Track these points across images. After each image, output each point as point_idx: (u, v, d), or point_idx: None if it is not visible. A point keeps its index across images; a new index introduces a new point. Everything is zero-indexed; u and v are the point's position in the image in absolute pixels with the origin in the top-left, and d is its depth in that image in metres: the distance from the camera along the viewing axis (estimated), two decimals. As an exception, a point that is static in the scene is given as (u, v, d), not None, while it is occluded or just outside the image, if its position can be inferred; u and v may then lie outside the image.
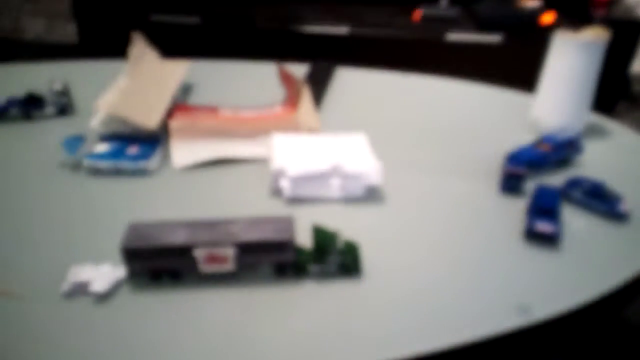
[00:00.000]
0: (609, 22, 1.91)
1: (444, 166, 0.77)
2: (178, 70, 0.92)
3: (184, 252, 0.53)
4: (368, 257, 0.58)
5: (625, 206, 0.65)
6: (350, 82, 1.05)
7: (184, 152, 0.77)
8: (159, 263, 0.54)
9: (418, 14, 2.00)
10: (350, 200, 0.68)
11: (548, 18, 1.91)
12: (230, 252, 0.53)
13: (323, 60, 1.11)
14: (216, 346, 0.48)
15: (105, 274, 0.54)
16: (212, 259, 0.54)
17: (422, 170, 0.76)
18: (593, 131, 0.86)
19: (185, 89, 0.99)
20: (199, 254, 0.53)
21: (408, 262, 0.59)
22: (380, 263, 0.58)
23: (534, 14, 1.92)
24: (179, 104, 0.87)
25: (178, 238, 0.53)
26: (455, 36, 1.87)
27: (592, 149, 0.80)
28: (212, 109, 0.86)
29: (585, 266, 0.58)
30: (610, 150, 0.81)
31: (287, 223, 0.56)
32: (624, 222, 0.65)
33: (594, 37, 0.76)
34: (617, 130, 0.87)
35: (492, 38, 1.86)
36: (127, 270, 0.54)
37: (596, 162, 0.77)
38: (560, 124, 0.81)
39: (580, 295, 0.54)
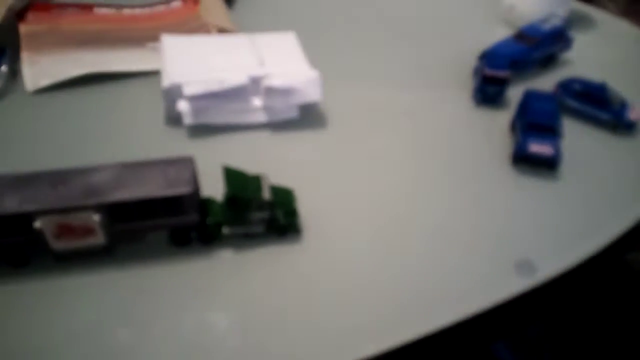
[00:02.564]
0: None
1: (401, 74, 0.59)
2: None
3: (21, 225, 0.34)
4: (308, 207, 0.40)
5: (634, 113, 0.50)
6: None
7: (41, 67, 0.54)
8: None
9: None
10: (279, 125, 0.50)
11: None
12: (95, 218, 0.34)
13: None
14: (85, 354, 0.31)
15: None
16: (68, 230, 0.35)
17: (374, 81, 0.57)
18: (577, 20, 0.70)
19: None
20: (45, 225, 0.34)
21: (363, 210, 0.42)
22: (327, 216, 0.41)
23: None
24: (37, 2, 0.62)
25: (6, 203, 0.34)
26: None
27: (580, 42, 0.63)
28: (85, 7, 0.62)
29: (591, 197, 0.44)
30: (602, 43, 0.66)
31: (184, 167, 0.37)
32: (632, 133, 0.51)
33: None
34: (605, 19, 0.71)
35: None
36: None
37: (588, 58, 0.62)
38: (538, 10, 0.64)
39: (590, 239, 0.40)
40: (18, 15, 0.59)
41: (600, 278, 0.97)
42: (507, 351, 0.64)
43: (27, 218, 0.34)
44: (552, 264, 0.38)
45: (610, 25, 0.70)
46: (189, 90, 0.45)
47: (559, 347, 0.84)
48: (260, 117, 0.49)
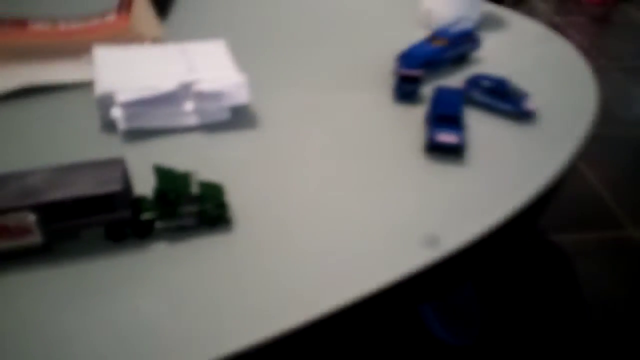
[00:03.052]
0: None
1: (326, 76, 0.63)
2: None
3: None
4: (239, 200, 0.44)
5: (531, 104, 0.56)
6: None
7: (-25, 82, 0.55)
8: None
9: None
10: (211, 127, 0.53)
11: None
12: (30, 218, 0.37)
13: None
14: (28, 348, 0.33)
15: None
16: (5, 231, 0.37)
17: (300, 83, 0.62)
18: (489, 22, 0.76)
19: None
20: (-18, 227, 0.36)
21: (291, 201, 0.46)
22: (257, 208, 0.45)
23: None
24: (-30, 18, 0.63)
25: (-59, 209, 0.36)
26: None
27: (490, 42, 0.70)
28: (20, 23, 0.64)
29: (494, 178, 0.50)
30: (510, 42, 0.72)
31: (115, 167, 0.40)
32: (531, 121, 0.57)
33: None
34: (515, 20, 0.78)
35: None
36: None
37: (496, 56, 0.68)
38: (453, 14, 0.70)
39: (492, 214, 0.45)
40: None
41: (529, 257, 1.05)
42: (436, 320, 0.69)
43: (-36, 221, 0.36)
44: (456, 236, 0.43)
45: (518, 25, 0.77)
46: (122, 97, 0.48)
47: (488, 315, 0.90)
48: (192, 120, 0.52)
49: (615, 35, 1.95)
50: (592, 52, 1.80)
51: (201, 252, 0.41)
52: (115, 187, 0.38)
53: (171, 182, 0.40)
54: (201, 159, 0.49)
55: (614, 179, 1.28)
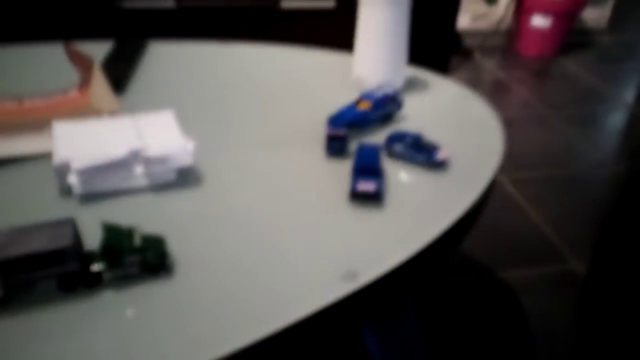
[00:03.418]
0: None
1: (268, 137, 0.71)
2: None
3: None
4: (183, 250, 0.50)
5: (442, 154, 0.65)
6: (166, 58, 0.95)
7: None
8: None
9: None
10: (159, 187, 0.60)
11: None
12: (-10, 274, 0.42)
13: (145, 38, 0.99)
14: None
15: None
16: (-33, 287, 0.42)
17: (244, 145, 0.69)
18: (414, 85, 0.86)
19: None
20: (-55, 283, 0.42)
21: (229, 248, 0.52)
22: (197, 255, 0.51)
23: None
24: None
25: None
26: (287, 3, 1.82)
27: (413, 102, 0.79)
28: (-12, 101, 0.71)
29: (409, 219, 0.57)
30: (429, 102, 0.82)
31: (66, 226, 0.46)
32: (443, 170, 0.65)
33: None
34: (436, 82, 0.88)
35: (325, 3, 1.85)
36: None
37: (416, 115, 0.77)
38: (378, 80, 0.79)
39: (406, 249, 0.52)
40: None
41: (475, 294, 1.11)
42: (376, 346, 0.73)
43: None
44: (373, 270, 0.50)
45: (439, 86, 0.87)
46: (77, 164, 0.55)
47: (433, 350, 0.95)
48: (142, 182, 0.59)
49: (555, 86, 2.11)
50: (535, 103, 1.94)
51: (145, 296, 0.46)
52: (65, 242, 0.44)
53: (116, 236, 0.46)
54: (148, 216, 0.55)
55: (557, 217, 1.37)
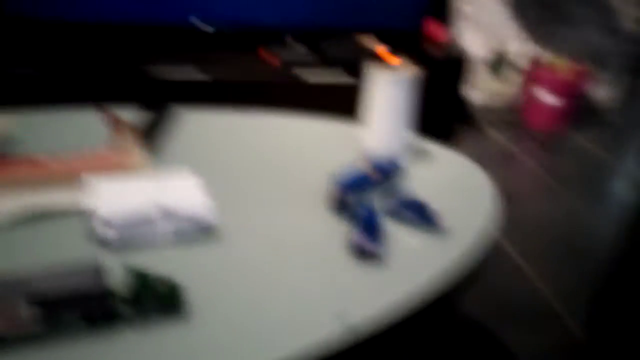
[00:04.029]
0: (441, 58, 2.13)
1: (280, 198, 0.78)
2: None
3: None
4: (200, 298, 0.56)
5: (441, 219, 0.70)
6: (195, 125, 1.05)
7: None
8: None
9: (269, 55, 2.07)
10: (182, 242, 0.66)
11: (387, 56, 2.09)
12: (25, 309, 0.48)
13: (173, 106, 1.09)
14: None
15: None
16: (6, 319, 0.48)
17: (259, 205, 0.76)
18: (417, 154, 0.93)
19: (8, 143, 0.91)
20: (-7, 316, 0.48)
21: (240, 297, 0.58)
22: (212, 303, 0.57)
23: (375, 53, 2.08)
24: (-5, 158, 0.79)
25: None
26: (311, 77, 1.96)
27: (415, 170, 0.86)
28: (30, 160, 0.80)
29: (407, 278, 0.62)
30: (429, 170, 0.88)
31: (94, 270, 0.52)
32: (442, 234, 0.70)
33: (404, 73, 0.84)
34: (437, 152, 0.95)
35: (340, 77, 1.98)
36: None
37: (417, 182, 0.83)
38: (383, 150, 0.87)
39: (402, 305, 0.57)
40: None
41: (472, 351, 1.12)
42: None
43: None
44: (371, 323, 0.54)
45: (442, 156, 0.94)
46: (112, 218, 0.62)
47: None
48: (168, 237, 0.65)
49: (564, 160, 2.17)
50: (543, 175, 2.00)
51: (160, 334, 0.52)
52: (93, 284, 0.50)
53: (139, 280, 0.53)
54: (172, 267, 0.61)
55: (565, 290, 1.39)
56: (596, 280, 1.43)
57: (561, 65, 2.41)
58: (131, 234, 0.64)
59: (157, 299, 0.53)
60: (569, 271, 1.47)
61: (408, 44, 2.22)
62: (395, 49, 2.16)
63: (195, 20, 2.03)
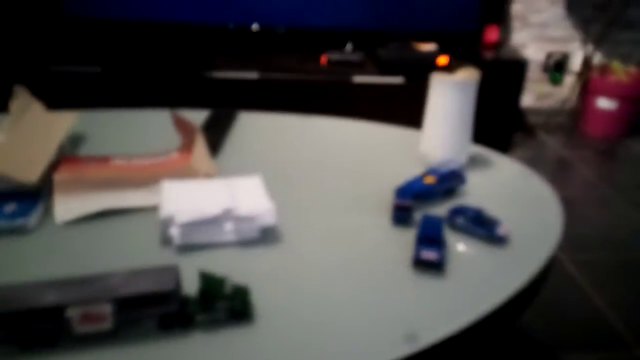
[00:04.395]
0: (497, 62, 2.09)
1: (340, 203, 0.78)
2: (64, 122, 0.89)
3: (55, 314, 0.49)
4: (263, 300, 0.57)
5: (502, 230, 0.69)
6: (253, 126, 1.06)
7: (67, 205, 0.73)
8: (27, 328, 0.49)
9: (325, 58, 2.08)
10: (245, 243, 0.67)
11: (443, 60, 2.06)
12: (107, 309, 0.50)
13: (231, 105, 1.12)
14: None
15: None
16: (88, 317, 0.50)
17: (319, 209, 0.77)
18: (476, 162, 0.92)
19: (78, 141, 0.95)
20: (72, 313, 0.50)
21: (303, 302, 0.58)
22: (275, 306, 0.57)
23: (430, 57, 2.05)
24: (66, 156, 0.83)
25: (47, 298, 0.50)
26: (360, 78, 1.95)
27: (474, 178, 0.85)
28: (104, 159, 0.83)
29: (469, 289, 0.61)
30: (490, 179, 0.87)
31: (170, 272, 0.54)
32: (503, 244, 0.69)
33: (466, 77, 0.83)
34: (498, 160, 0.93)
35: (394, 79, 1.97)
36: (-10, 339, 0.49)
37: (478, 190, 0.82)
38: (443, 157, 0.86)
39: (464, 317, 0.56)
40: (52, 166, 0.79)
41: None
42: None
43: (61, 309, 0.50)
44: (433, 333, 0.54)
45: (500, 164, 0.92)
46: (179, 218, 0.64)
47: None
48: (231, 237, 0.67)
49: (620, 168, 2.08)
50: (599, 184, 1.92)
51: (229, 340, 0.53)
52: (169, 287, 0.52)
53: (211, 284, 0.54)
54: (235, 267, 0.62)
55: (620, 301, 1.33)
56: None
57: (619, 69, 2.32)
58: (196, 234, 0.65)
59: (229, 305, 0.54)
60: (630, 287, 1.41)
61: (466, 47, 2.19)
62: (454, 53, 2.13)
63: (257, 25, 2.07)
